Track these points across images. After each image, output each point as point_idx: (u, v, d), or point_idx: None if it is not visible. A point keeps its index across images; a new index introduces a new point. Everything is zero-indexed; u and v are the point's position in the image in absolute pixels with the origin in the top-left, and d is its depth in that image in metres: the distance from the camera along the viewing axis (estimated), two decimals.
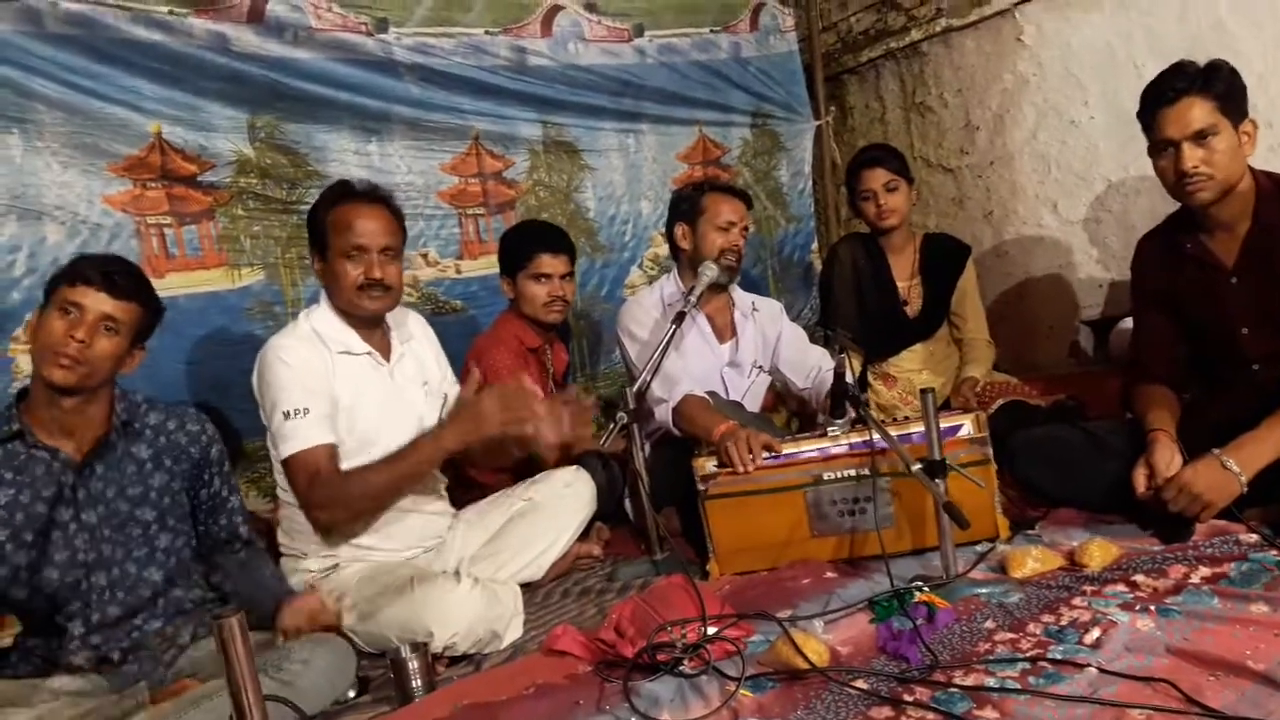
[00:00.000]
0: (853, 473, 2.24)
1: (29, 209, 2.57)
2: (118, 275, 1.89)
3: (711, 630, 1.86)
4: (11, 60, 2.54)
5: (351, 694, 1.95)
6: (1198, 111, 2.07)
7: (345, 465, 2.20)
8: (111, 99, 2.71)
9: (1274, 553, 1.88)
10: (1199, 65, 2.12)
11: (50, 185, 2.61)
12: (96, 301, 1.85)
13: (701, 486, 2.31)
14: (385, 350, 2.37)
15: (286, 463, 2.18)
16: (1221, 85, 2.09)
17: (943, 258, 3.30)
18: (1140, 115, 2.21)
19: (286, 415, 2.16)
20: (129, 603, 1.92)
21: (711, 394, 2.68)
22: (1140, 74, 3.19)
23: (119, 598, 1.91)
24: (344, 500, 2.17)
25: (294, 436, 2.16)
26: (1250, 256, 2.15)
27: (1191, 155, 2.08)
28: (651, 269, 3.88)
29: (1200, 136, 2.07)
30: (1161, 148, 2.15)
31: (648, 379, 2.54)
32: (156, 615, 1.96)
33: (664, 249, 3.88)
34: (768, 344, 2.98)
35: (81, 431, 1.91)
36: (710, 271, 2.72)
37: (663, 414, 2.62)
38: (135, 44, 2.72)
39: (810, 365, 2.90)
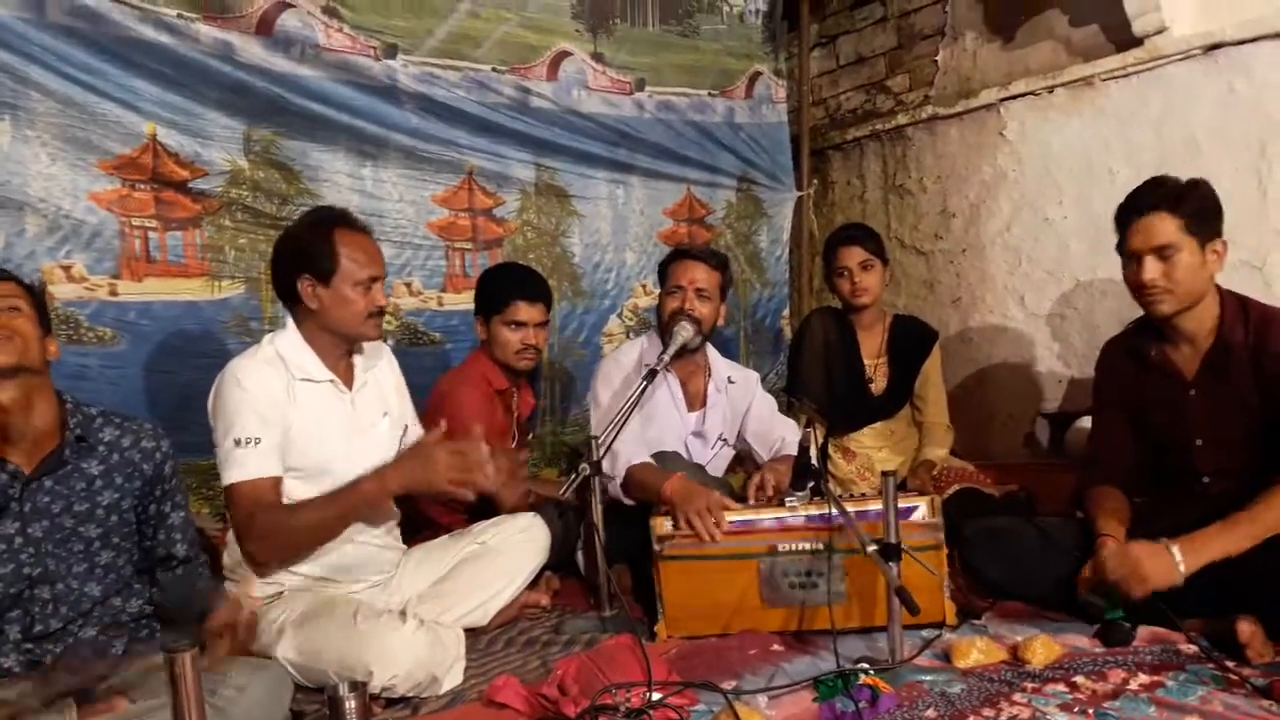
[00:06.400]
0: (808, 546, 2.26)
1: (11, 198, 2.55)
2: None
3: (656, 696, 1.86)
4: (9, 45, 2.52)
5: None
6: (1162, 227, 2.15)
7: (302, 492, 2.17)
8: (109, 95, 2.70)
9: (1211, 666, 1.93)
10: (1179, 182, 2.20)
11: (36, 176, 2.59)
12: None
13: (657, 547, 2.32)
14: (348, 378, 2.35)
15: (229, 490, 2.15)
16: (1193, 205, 2.16)
17: (911, 340, 3.35)
18: (1115, 222, 2.28)
19: (238, 442, 2.13)
20: (69, 615, 1.87)
21: (675, 455, 2.69)
22: (1114, 180, 3.29)
23: (60, 611, 1.86)
24: (280, 534, 2.15)
25: (242, 464, 2.13)
26: (1209, 371, 2.21)
27: (1151, 269, 2.16)
28: (630, 319, 3.92)
29: (1161, 251, 2.15)
30: (1128, 257, 2.24)
31: (614, 434, 2.52)
32: (92, 624, 1.90)
33: (644, 300, 3.93)
34: (737, 416, 2.97)
35: (29, 441, 1.84)
36: (685, 332, 2.72)
37: (614, 490, 2.62)
38: (139, 43, 2.72)
39: (775, 437, 2.90)
